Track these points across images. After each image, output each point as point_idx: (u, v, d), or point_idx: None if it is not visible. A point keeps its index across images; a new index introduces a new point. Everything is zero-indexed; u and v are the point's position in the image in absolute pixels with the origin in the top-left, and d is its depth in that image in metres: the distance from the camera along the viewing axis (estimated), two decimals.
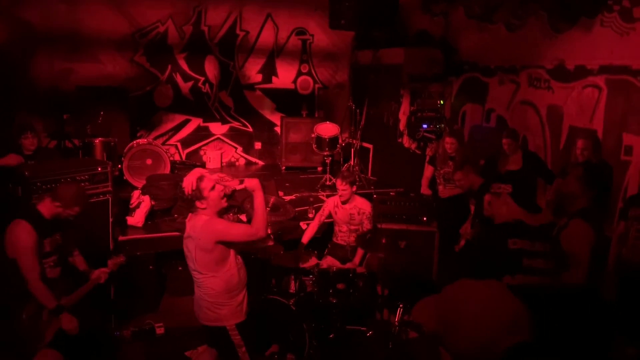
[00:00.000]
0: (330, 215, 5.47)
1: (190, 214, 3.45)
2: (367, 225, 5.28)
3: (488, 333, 1.18)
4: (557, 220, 3.76)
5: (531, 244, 2.71)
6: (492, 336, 1.18)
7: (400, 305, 4.94)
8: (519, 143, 5.80)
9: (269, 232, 3.39)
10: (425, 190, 6.42)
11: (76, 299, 3.72)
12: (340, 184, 5.21)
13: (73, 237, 3.90)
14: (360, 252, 5.19)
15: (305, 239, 5.39)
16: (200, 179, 3.31)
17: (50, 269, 3.68)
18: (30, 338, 3.48)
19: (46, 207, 3.60)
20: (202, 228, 3.30)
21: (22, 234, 3.46)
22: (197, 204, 3.33)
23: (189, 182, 3.31)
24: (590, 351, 2.77)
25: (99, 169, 4.93)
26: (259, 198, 3.38)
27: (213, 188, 3.32)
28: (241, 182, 3.43)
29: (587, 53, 5.51)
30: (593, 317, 3.03)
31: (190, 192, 3.30)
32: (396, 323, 4.83)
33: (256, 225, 3.32)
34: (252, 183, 3.40)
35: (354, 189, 5.30)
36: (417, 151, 7.33)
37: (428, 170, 6.39)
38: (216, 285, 3.38)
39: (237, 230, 3.37)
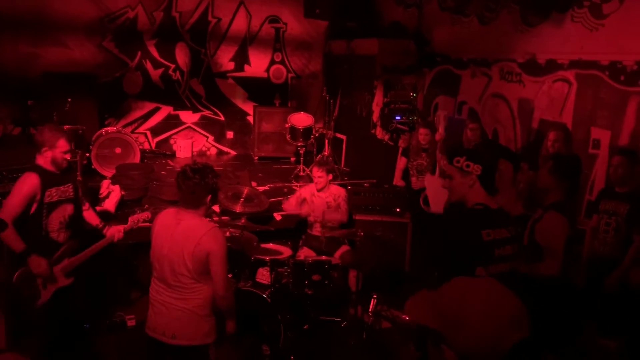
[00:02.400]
0: (304, 202, 5.45)
1: (175, 208, 3.08)
2: (343, 205, 5.30)
3: (494, 330, 1.20)
4: (530, 212, 3.85)
5: (500, 232, 2.76)
6: (497, 333, 1.20)
7: (374, 296, 4.98)
8: (483, 130, 5.89)
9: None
10: (398, 181, 6.46)
11: (84, 258, 3.74)
12: (317, 171, 5.21)
13: (82, 188, 3.90)
14: (343, 248, 5.23)
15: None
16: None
17: (59, 231, 3.67)
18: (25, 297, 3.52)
19: (42, 159, 3.60)
20: (208, 234, 2.93)
21: (24, 182, 3.50)
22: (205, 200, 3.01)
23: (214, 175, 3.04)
24: (562, 339, 2.83)
25: None
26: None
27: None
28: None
29: (557, 47, 5.60)
30: (566, 306, 3.10)
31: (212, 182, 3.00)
32: (370, 313, 4.88)
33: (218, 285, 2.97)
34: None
35: (330, 177, 5.31)
36: (390, 142, 7.37)
37: (401, 162, 6.43)
38: (208, 294, 3.01)
39: (223, 269, 2.98)
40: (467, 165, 2.73)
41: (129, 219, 3.92)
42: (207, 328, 3.05)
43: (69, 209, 3.72)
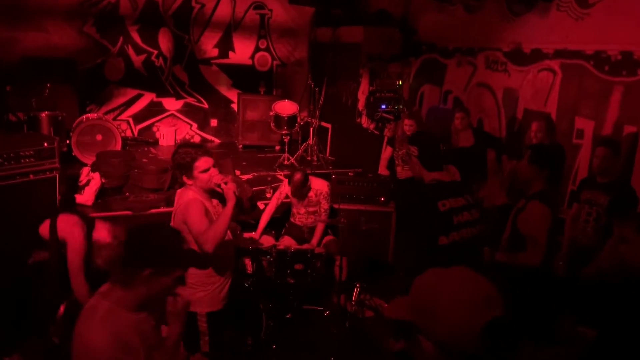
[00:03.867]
0: (287, 197, 5.40)
1: (181, 188, 3.35)
2: (324, 205, 5.24)
3: (465, 314, 1.22)
4: (513, 202, 3.84)
5: (456, 201, 2.87)
6: (469, 317, 1.22)
7: (357, 285, 4.98)
8: (470, 119, 5.88)
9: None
10: (383, 170, 6.44)
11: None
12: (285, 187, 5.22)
13: None
14: (318, 233, 5.16)
15: (262, 222, 5.30)
16: (196, 157, 3.18)
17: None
18: None
19: None
20: (179, 202, 3.24)
21: None
22: (184, 178, 3.22)
23: (187, 153, 3.21)
24: (541, 327, 2.85)
25: (45, 144, 4.68)
26: (228, 210, 3.15)
27: (206, 171, 3.20)
28: (225, 183, 3.23)
29: (543, 37, 5.59)
30: (545, 294, 3.12)
31: (180, 162, 3.19)
32: (353, 302, 4.87)
33: (208, 236, 3.05)
34: (229, 192, 3.18)
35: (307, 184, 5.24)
36: (376, 132, 7.33)
37: (387, 151, 6.40)
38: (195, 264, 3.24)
39: (196, 225, 3.10)
40: (408, 149, 3.00)
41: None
42: (194, 297, 3.19)
43: None
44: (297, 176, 4.99)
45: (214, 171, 3.24)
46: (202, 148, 3.31)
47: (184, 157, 3.21)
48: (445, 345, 1.27)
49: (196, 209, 3.16)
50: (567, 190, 5.27)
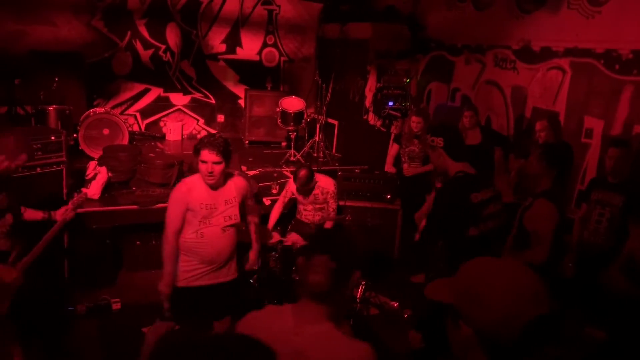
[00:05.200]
0: (293, 193, 5.38)
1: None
2: (332, 205, 5.23)
3: (511, 307, 1.24)
4: (521, 200, 3.82)
5: (485, 193, 2.97)
6: (515, 310, 1.23)
7: (363, 282, 4.96)
8: (478, 118, 5.85)
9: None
10: (389, 168, 6.42)
11: (39, 252, 3.48)
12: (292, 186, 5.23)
13: (17, 195, 3.57)
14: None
15: (272, 218, 5.29)
16: (203, 146, 3.34)
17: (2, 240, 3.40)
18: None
19: None
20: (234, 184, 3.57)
21: None
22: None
23: (203, 139, 3.44)
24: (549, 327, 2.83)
25: (53, 137, 4.70)
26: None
27: (204, 162, 3.34)
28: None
29: (553, 35, 5.54)
30: (552, 294, 3.09)
31: (196, 145, 3.41)
32: (358, 300, 4.86)
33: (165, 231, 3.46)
34: None
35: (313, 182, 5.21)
36: (382, 129, 7.31)
37: (393, 148, 6.38)
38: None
39: (168, 213, 3.47)
40: (432, 140, 3.10)
41: (70, 202, 3.84)
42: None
43: (8, 218, 3.41)
44: (303, 172, 4.98)
45: (211, 167, 3.32)
46: (216, 141, 3.38)
47: (200, 141, 3.43)
48: (485, 334, 1.27)
49: (177, 194, 3.45)
50: (574, 189, 5.24)
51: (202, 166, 3.34)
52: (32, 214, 3.70)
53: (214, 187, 3.45)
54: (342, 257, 1.95)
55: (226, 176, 3.53)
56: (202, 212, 3.41)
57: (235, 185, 3.58)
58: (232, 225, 3.54)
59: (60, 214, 3.69)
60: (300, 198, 5.25)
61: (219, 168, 3.34)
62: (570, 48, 5.35)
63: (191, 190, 3.42)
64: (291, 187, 5.31)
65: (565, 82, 5.42)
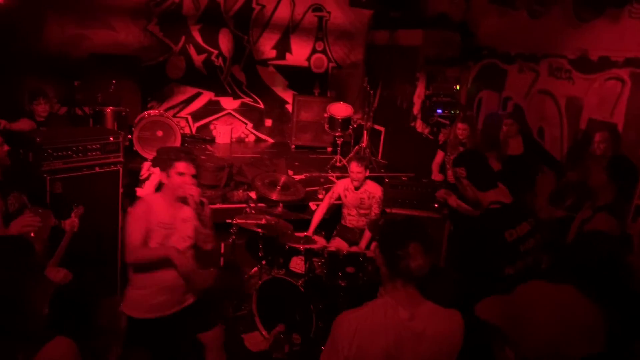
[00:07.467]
0: (339, 198, 5.40)
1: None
2: (375, 210, 5.21)
3: (560, 337, 1.13)
4: (573, 212, 3.70)
5: (521, 228, 2.76)
6: (564, 341, 1.13)
7: None
8: (519, 126, 5.72)
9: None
10: (436, 176, 6.34)
11: (60, 255, 3.45)
12: (356, 167, 5.10)
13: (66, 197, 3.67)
14: (367, 236, 5.13)
15: (314, 221, 5.33)
16: (179, 158, 3.18)
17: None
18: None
19: None
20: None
21: None
22: (162, 177, 3.24)
23: (172, 151, 3.24)
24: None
25: (111, 138, 4.86)
26: (166, 250, 3.16)
27: (182, 174, 3.17)
28: (202, 204, 3.20)
29: (612, 44, 5.37)
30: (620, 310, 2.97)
31: (164, 157, 3.24)
32: None
33: (128, 249, 3.13)
34: (193, 206, 3.17)
35: (367, 172, 5.23)
36: (430, 136, 7.24)
37: (438, 156, 6.30)
38: None
39: (128, 233, 3.15)
40: (455, 172, 2.90)
41: (72, 213, 3.73)
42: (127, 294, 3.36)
43: (50, 220, 3.41)
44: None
45: (189, 180, 3.19)
46: (190, 155, 3.28)
47: (169, 154, 3.26)
48: None
49: (138, 211, 3.17)
50: (631, 204, 5.05)
51: (178, 179, 3.17)
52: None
53: (178, 201, 3.26)
54: None
55: None
56: (161, 233, 3.19)
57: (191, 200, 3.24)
58: (190, 247, 3.34)
59: (68, 224, 3.64)
60: (345, 202, 5.26)
61: (194, 181, 3.25)
62: (631, 58, 5.17)
63: (151, 207, 3.20)
64: (337, 189, 5.33)
65: (625, 93, 5.24)
